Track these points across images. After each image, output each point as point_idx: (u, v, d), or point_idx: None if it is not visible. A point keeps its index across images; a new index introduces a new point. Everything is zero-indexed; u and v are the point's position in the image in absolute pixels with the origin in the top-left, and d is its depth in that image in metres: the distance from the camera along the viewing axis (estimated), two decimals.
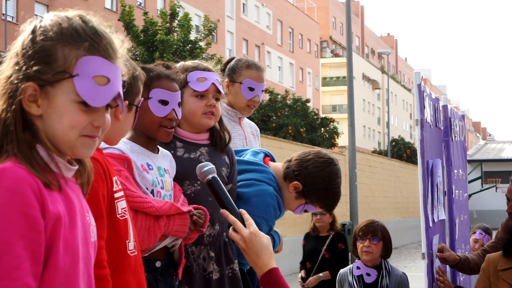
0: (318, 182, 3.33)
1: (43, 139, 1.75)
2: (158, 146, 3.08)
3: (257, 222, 2.89)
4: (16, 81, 1.72)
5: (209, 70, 3.38)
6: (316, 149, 3.56)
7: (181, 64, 3.44)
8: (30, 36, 1.75)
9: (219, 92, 3.34)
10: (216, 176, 2.52)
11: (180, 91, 3.09)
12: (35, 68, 1.71)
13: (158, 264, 2.88)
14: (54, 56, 1.72)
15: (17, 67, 1.73)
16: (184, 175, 3.08)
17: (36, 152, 1.73)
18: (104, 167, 2.42)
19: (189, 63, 3.44)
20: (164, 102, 2.98)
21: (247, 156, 3.59)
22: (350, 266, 4.92)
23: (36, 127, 1.75)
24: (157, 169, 2.96)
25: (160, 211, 2.76)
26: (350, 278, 4.83)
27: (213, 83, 3.31)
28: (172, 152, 3.24)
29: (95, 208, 2.30)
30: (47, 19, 1.78)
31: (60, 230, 1.70)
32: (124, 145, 2.87)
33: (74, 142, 1.75)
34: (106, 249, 2.32)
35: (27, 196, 1.64)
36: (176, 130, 3.27)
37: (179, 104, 3.07)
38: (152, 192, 2.88)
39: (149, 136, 2.98)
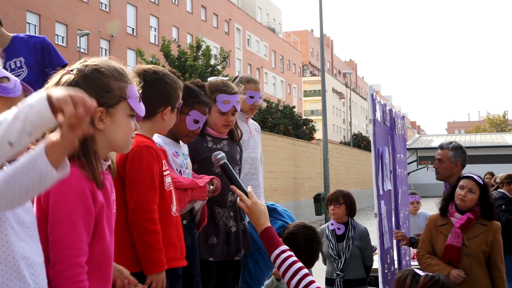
0: (295, 238, 3.14)
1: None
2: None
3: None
4: None
5: (233, 93, 3.34)
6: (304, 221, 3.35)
7: (213, 81, 3.40)
8: None
9: (236, 110, 3.37)
10: (227, 161, 2.50)
11: (208, 114, 3.08)
12: None
13: (184, 222, 2.87)
14: None
15: None
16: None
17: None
18: (158, 153, 2.45)
19: (220, 83, 3.37)
20: (196, 121, 2.98)
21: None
22: (327, 223, 4.95)
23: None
24: (182, 155, 2.97)
25: (185, 186, 2.78)
26: (327, 231, 4.89)
27: (233, 105, 3.33)
28: (204, 144, 3.28)
29: (152, 182, 2.36)
30: None
31: (103, 212, 1.79)
32: (160, 139, 2.88)
33: None
34: (158, 211, 2.37)
35: (86, 191, 1.73)
36: (206, 129, 3.33)
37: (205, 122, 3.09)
38: (180, 171, 2.90)
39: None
